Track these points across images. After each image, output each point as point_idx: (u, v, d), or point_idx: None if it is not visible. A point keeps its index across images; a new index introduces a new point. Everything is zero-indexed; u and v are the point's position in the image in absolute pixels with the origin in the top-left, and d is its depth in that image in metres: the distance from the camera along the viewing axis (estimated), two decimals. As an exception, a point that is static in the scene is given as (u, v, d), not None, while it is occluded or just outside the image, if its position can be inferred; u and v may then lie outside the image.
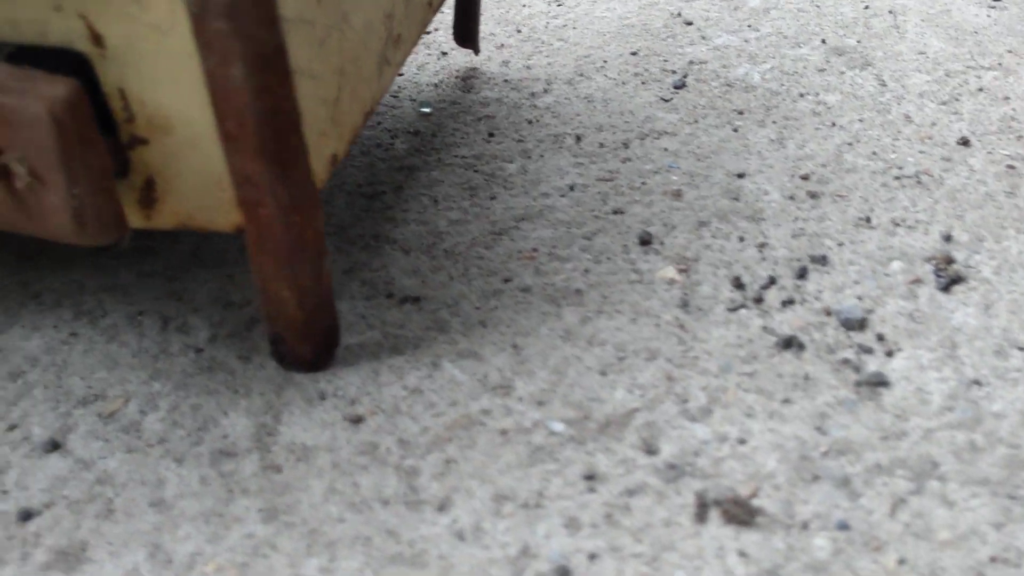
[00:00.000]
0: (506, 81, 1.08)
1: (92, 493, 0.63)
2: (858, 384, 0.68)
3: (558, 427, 0.65)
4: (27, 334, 0.76)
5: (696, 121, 0.98)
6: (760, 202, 0.86)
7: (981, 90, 1.01)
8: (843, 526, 0.59)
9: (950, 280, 0.75)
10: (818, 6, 1.20)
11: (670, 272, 0.78)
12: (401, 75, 1.10)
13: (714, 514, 0.59)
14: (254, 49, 0.57)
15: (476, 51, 1.09)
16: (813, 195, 0.86)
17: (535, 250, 0.81)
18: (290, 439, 0.66)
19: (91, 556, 0.59)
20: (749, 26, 1.16)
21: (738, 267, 0.78)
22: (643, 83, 1.05)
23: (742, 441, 0.64)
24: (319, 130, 0.68)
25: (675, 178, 0.89)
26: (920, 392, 0.68)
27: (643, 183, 0.89)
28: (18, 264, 0.83)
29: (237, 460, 0.65)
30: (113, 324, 0.76)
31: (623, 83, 1.06)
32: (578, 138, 0.96)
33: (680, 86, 1.04)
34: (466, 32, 1.07)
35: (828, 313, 0.74)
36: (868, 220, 0.83)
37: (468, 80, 1.09)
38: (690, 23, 1.18)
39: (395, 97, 1.06)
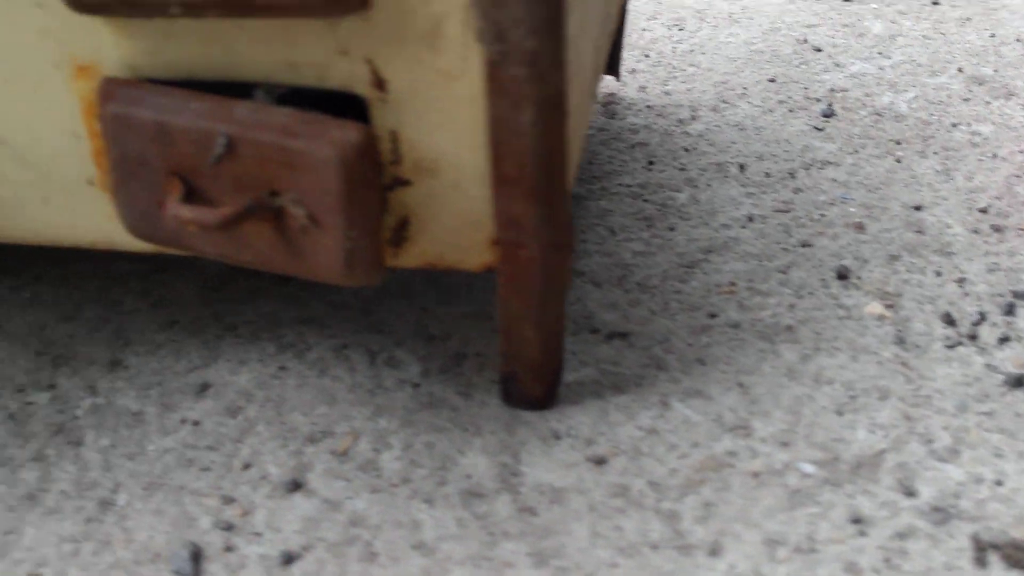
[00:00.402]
0: (649, 107, 1.08)
1: (349, 535, 0.62)
2: (1093, 424, 0.68)
3: (809, 469, 0.65)
4: (234, 368, 0.75)
5: (856, 151, 0.98)
6: (945, 236, 0.86)
7: None
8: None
9: None
10: (943, 33, 1.21)
11: (878, 308, 0.78)
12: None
13: (993, 558, 0.59)
14: (545, 93, 0.56)
15: (617, 76, 1.09)
16: (997, 229, 0.86)
17: (733, 284, 0.81)
18: (536, 480, 0.65)
19: (366, 603, 0.58)
20: (879, 53, 1.17)
21: (942, 303, 0.78)
22: (790, 111, 1.05)
23: (999, 483, 0.64)
24: (564, 168, 0.67)
25: (852, 210, 0.89)
26: None
27: (822, 215, 0.89)
28: (204, 295, 0.82)
29: (488, 501, 0.64)
30: (320, 358, 0.75)
31: (770, 111, 1.06)
32: (742, 167, 0.96)
33: (829, 114, 1.04)
34: (610, 59, 1.07)
35: (1043, 350, 0.74)
36: (1056, 254, 0.84)
37: (609, 106, 1.08)
38: (819, 49, 1.18)
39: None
